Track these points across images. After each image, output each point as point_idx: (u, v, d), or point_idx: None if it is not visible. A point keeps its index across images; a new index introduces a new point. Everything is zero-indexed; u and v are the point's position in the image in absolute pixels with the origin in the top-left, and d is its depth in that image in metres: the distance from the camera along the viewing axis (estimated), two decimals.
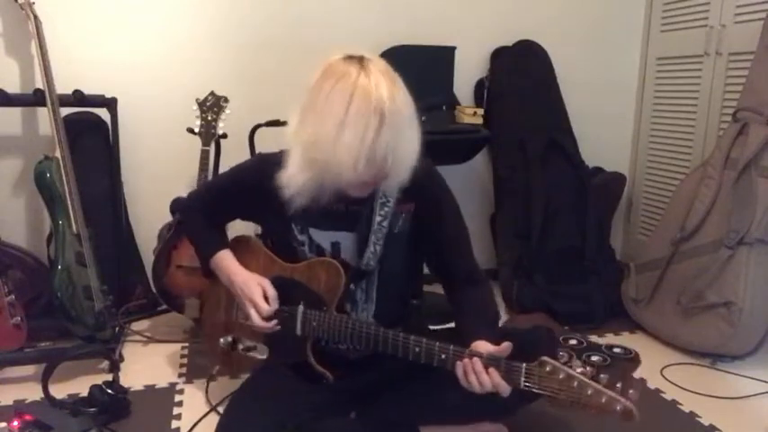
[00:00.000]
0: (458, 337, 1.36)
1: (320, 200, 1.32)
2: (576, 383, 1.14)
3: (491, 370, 1.21)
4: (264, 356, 1.52)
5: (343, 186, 1.29)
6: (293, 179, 1.30)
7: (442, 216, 1.48)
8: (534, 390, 1.19)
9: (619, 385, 1.13)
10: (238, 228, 1.67)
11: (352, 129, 1.19)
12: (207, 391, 1.75)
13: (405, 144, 1.26)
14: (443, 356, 1.27)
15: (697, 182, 2.25)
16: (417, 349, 1.30)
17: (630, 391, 1.12)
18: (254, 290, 1.43)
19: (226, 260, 1.51)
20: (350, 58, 1.27)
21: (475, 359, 1.23)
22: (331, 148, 1.20)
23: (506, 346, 1.22)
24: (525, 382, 1.19)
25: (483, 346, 1.27)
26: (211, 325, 1.64)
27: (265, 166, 1.43)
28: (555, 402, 1.18)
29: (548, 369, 1.17)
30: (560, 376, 1.15)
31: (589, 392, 1.13)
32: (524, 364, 1.19)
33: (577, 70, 2.82)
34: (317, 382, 1.44)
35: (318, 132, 1.22)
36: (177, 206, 1.61)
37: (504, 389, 1.21)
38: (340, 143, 1.19)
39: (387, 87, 1.22)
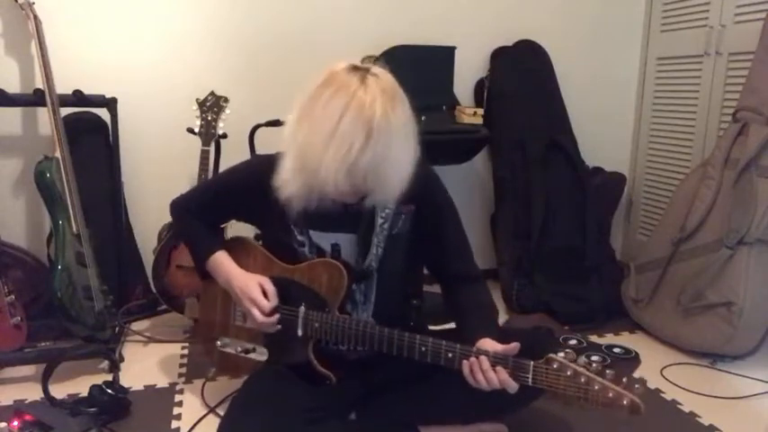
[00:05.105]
0: (460, 335, 1.36)
1: (312, 204, 1.32)
2: (583, 379, 1.15)
3: (498, 368, 1.22)
4: (263, 358, 1.52)
5: (329, 195, 1.29)
6: (286, 183, 1.31)
7: (443, 219, 1.48)
8: (542, 387, 1.20)
9: (625, 380, 1.15)
10: (239, 229, 1.67)
11: (339, 142, 1.18)
12: (203, 394, 1.74)
13: (391, 163, 1.23)
14: (450, 355, 1.28)
15: (697, 182, 2.25)
16: (423, 349, 1.30)
17: (636, 386, 1.13)
18: (253, 287, 1.42)
19: (222, 262, 1.50)
20: (355, 69, 1.26)
21: (482, 357, 1.24)
22: (318, 159, 1.20)
23: (514, 345, 1.23)
24: (533, 379, 1.20)
25: (489, 344, 1.28)
26: (207, 326, 1.63)
27: (263, 168, 1.43)
28: (562, 399, 1.19)
29: (555, 366, 1.18)
30: (568, 373, 1.17)
31: (596, 388, 1.14)
32: (532, 362, 1.20)
33: (577, 70, 2.82)
34: (318, 384, 1.44)
35: (310, 141, 1.22)
36: (172, 209, 1.58)
37: (512, 386, 1.22)
38: (327, 155, 1.19)
39: (381, 105, 1.19)
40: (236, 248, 1.55)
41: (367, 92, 1.20)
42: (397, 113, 1.23)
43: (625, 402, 1.12)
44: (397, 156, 1.24)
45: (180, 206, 1.59)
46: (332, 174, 1.19)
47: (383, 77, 1.26)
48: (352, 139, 1.18)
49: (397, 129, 1.23)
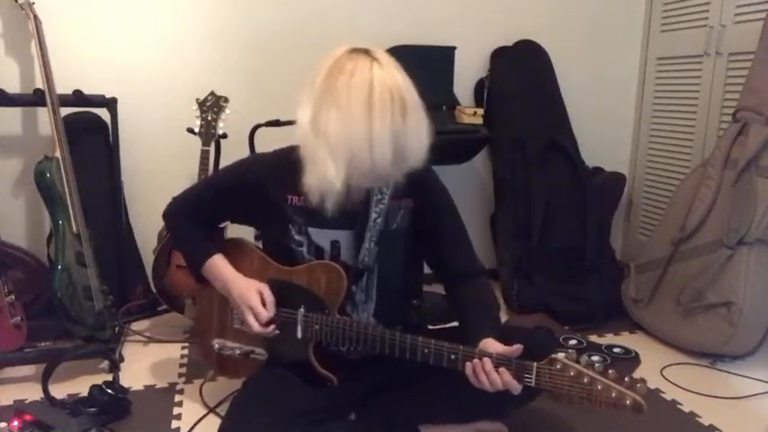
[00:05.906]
0: (462, 333, 1.36)
1: (335, 200, 1.31)
2: (586, 379, 1.16)
3: (502, 369, 1.22)
4: (263, 360, 1.51)
5: (365, 181, 1.31)
6: (327, 177, 1.27)
7: (442, 212, 1.48)
8: (545, 388, 1.20)
9: (627, 380, 1.15)
10: (239, 231, 1.66)
11: (379, 114, 1.24)
12: (201, 395, 1.74)
13: (424, 124, 1.32)
14: (453, 357, 1.28)
15: (697, 182, 2.25)
16: (426, 350, 1.30)
17: (638, 385, 1.14)
18: (252, 296, 1.41)
19: (219, 266, 1.48)
20: (356, 50, 1.30)
21: (485, 359, 1.24)
22: (365, 136, 1.24)
23: (518, 347, 1.23)
24: (536, 380, 1.20)
25: (492, 344, 1.28)
26: (204, 329, 1.62)
27: (260, 167, 1.42)
28: (565, 400, 1.19)
29: (558, 367, 1.18)
30: (571, 373, 1.17)
31: (599, 387, 1.15)
32: (535, 363, 1.21)
33: (577, 70, 2.82)
34: (319, 385, 1.43)
35: (348, 125, 1.24)
36: (164, 216, 1.54)
37: (515, 387, 1.22)
38: (373, 129, 1.24)
39: (400, 75, 1.29)
40: (233, 251, 1.52)
41: (382, 67, 1.27)
42: (410, 83, 1.32)
43: (628, 402, 1.12)
44: (424, 117, 1.33)
45: (172, 211, 1.55)
46: (384, 145, 1.25)
47: (382, 53, 1.32)
48: (390, 108, 1.25)
49: (417, 96, 1.32)
